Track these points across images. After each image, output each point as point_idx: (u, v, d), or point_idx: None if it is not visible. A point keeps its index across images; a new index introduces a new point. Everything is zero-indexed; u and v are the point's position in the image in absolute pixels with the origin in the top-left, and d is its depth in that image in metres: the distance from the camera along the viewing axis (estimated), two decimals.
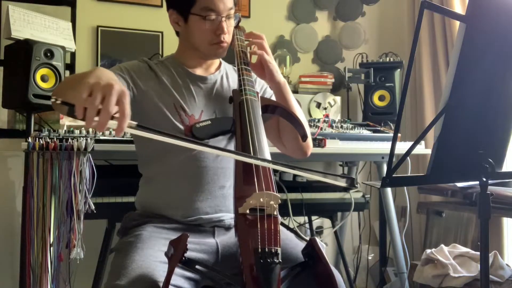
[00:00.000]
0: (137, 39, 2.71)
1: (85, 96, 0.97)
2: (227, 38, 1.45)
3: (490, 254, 2.04)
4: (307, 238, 1.54)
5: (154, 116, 1.40)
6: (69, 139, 1.83)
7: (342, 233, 2.91)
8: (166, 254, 1.12)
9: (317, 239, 1.14)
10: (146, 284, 1.11)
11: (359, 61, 2.98)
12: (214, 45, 1.44)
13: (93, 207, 1.83)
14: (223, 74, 1.56)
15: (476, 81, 1.13)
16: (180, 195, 1.39)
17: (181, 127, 1.39)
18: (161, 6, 2.75)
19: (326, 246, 2.94)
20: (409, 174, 2.41)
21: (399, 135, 1.67)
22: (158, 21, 2.70)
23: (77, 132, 1.94)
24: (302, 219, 2.72)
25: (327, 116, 2.60)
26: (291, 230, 2.24)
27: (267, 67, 1.48)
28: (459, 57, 1.09)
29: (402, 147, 1.82)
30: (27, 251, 1.83)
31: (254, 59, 1.52)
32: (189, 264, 1.10)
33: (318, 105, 2.83)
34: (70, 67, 2.55)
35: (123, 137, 1.98)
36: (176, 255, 1.06)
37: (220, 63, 1.60)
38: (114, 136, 1.98)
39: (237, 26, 1.62)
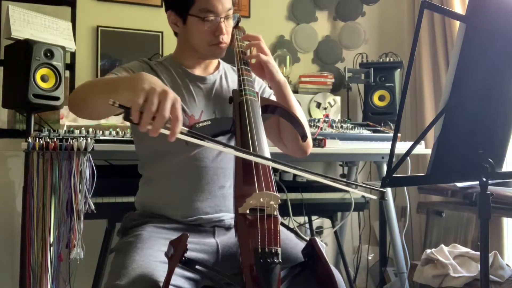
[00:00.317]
0: (137, 39, 2.71)
1: (141, 101, 1.02)
2: (225, 38, 1.45)
3: (490, 254, 2.04)
4: (307, 238, 1.54)
5: None
6: (69, 139, 1.83)
7: (342, 233, 2.91)
8: (166, 254, 1.12)
9: (317, 239, 1.14)
10: (146, 284, 1.11)
11: (359, 61, 2.98)
12: (212, 46, 1.44)
13: (93, 207, 1.83)
14: (222, 74, 1.56)
15: (476, 81, 1.13)
16: (180, 195, 1.39)
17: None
18: (161, 6, 2.74)
19: (326, 246, 2.94)
20: (409, 174, 2.41)
21: (399, 135, 1.67)
22: (158, 21, 2.70)
23: (77, 132, 1.94)
24: (302, 219, 2.72)
25: (327, 116, 2.60)
26: (291, 230, 2.24)
27: (266, 68, 1.48)
28: (459, 57, 1.09)
29: (402, 147, 1.82)
30: (27, 251, 1.83)
31: (253, 60, 1.52)
32: (189, 264, 1.10)
33: (318, 105, 2.83)
34: (70, 67, 2.55)
35: (123, 137, 1.99)
36: (176, 255, 1.06)
37: (219, 63, 1.60)
38: (114, 136, 1.98)
39: (236, 26, 1.62)
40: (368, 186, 1.20)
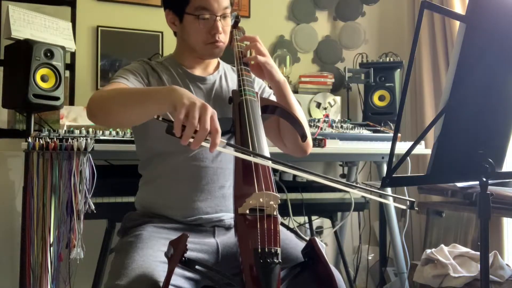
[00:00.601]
0: (137, 39, 2.71)
1: (182, 116, 1.05)
2: (222, 37, 1.45)
3: (490, 254, 2.04)
4: (307, 238, 1.54)
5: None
6: (69, 139, 1.83)
7: (342, 233, 2.91)
8: (166, 254, 1.12)
9: (317, 239, 1.14)
10: (146, 284, 1.11)
11: (359, 61, 2.98)
12: (209, 45, 1.44)
13: (93, 207, 1.83)
14: (222, 75, 1.56)
15: (476, 81, 1.13)
16: (180, 195, 1.39)
17: None
18: (161, 6, 2.73)
19: (326, 246, 2.95)
20: (409, 174, 2.41)
21: (399, 135, 1.68)
22: (158, 21, 2.70)
23: (77, 132, 1.94)
24: (302, 219, 2.72)
25: (327, 116, 2.60)
26: (291, 230, 2.24)
27: (265, 68, 1.48)
28: (459, 57, 1.09)
29: (402, 147, 1.82)
30: (27, 251, 1.83)
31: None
32: (189, 264, 1.10)
33: (318, 105, 2.83)
34: (70, 67, 2.56)
35: (123, 137, 1.99)
36: (176, 255, 1.06)
37: (219, 63, 1.60)
38: (114, 136, 1.98)
39: (236, 27, 1.62)
40: (398, 197, 1.21)
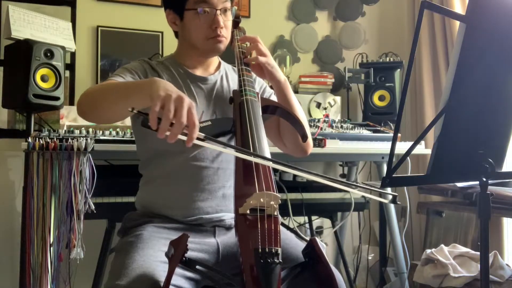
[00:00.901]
0: (137, 39, 2.71)
1: (158, 109, 1.04)
2: (224, 32, 1.44)
3: (490, 254, 2.04)
4: (307, 238, 1.55)
5: None
6: (69, 139, 1.83)
7: (342, 233, 2.91)
8: (166, 254, 1.12)
9: (317, 239, 1.14)
10: (147, 284, 1.11)
11: (359, 61, 2.98)
12: (210, 40, 1.44)
13: (93, 207, 1.83)
14: (223, 75, 1.56)
15: (476, 81, 1.13)
16: (181, 195, 1.39)
17: None
18: (161, 6, 2.74)
19: (326, 246, 2.94)
20: (409, 174, 2.41)
21: (399, 135, 1.68)
22: (158, 21, 2.70)
23: (77, 132, 1.94)
24: (302, 219, 2.72)
25: (327, 116, 2.60)
26: (291, 230, 2.24)
27: (266, 69, 1.48)
28: (459, 57, 1.09)
29: (402, 147, 1.82)
30: (27, 251, 1.83)
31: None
32: (189, 264, 1.10)
33: (318, 105, 2.83)
34: (70, 67, 2.55)
35: (123, 137, 1.99)
36: (177, 255, 1.06)
37: (219, 63, 1.60)
38: (114, 136, 1.98)
39: (237, 27, 1.62)
40: (376, 189, 1.20)
